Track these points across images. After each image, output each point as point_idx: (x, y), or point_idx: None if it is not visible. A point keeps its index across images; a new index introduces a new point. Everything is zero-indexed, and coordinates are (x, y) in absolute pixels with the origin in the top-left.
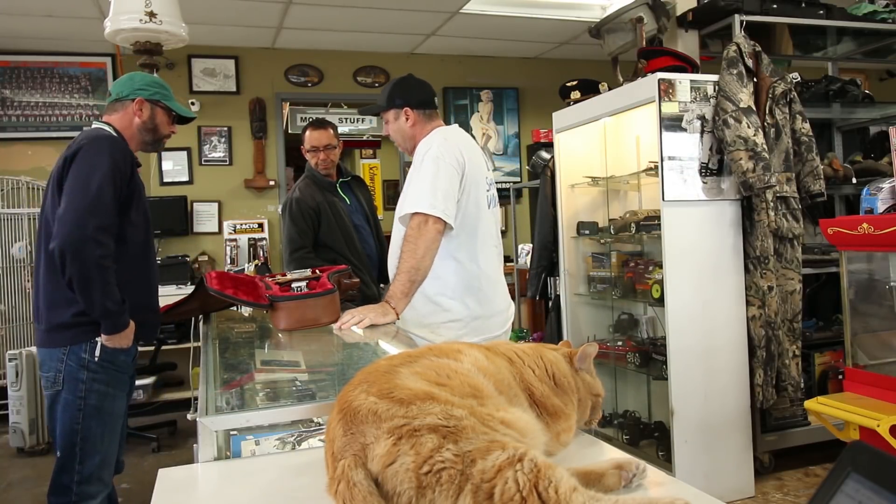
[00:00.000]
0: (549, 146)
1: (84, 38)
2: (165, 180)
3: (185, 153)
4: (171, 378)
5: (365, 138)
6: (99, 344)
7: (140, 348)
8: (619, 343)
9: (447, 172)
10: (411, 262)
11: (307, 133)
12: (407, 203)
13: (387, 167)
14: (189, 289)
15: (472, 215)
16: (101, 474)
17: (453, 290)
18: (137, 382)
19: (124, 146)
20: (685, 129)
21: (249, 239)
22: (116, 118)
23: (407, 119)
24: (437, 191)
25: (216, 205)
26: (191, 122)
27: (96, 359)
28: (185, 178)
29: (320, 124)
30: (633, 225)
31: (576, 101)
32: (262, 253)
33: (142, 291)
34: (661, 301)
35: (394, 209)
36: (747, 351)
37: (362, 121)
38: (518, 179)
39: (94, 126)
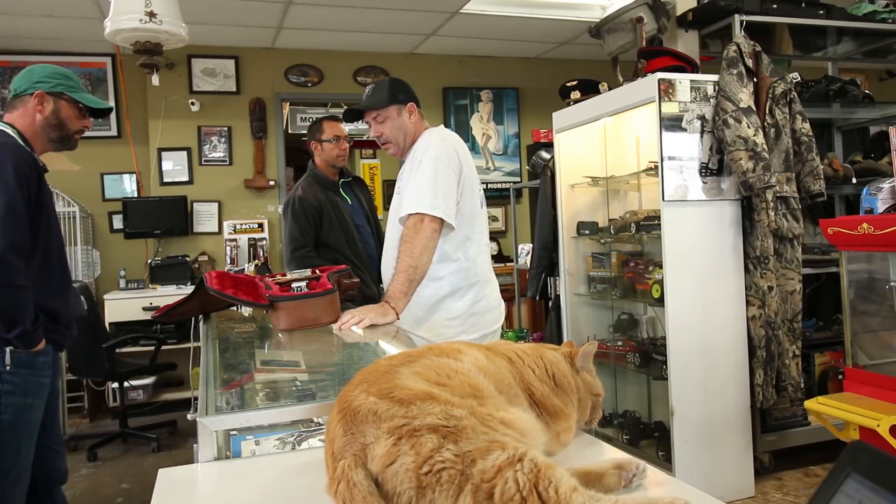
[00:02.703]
0: (549, 146)
1: (84, 38)
2: (165, 180)
3: (185, 153)
4: (171, 378)
5: (365, 138)
6: (8, 352)
7: (140, 348)
8: (619, 343)
9: (446, 173)
10: (409, 260)
11: (326, 124)
12: (405, 204)
13: (387, 167)
14: (189, 289)
15: (468, 216)
16: (14, 489)
17: (451, 289)
18: (137, 382)
19: (27, 153)
20: (685, 129)
21: (249, 239)
22: (17, 116)
23: (411, 115)
24: (436, 191)
25: (216, 205)
26: (107, 113)
27: (8, 367)
28: (185, 178)
29: (335, 117)
30: (633, 225)
31: (576, 101)
32: (262, 253)
33: (55, 307)
34: (661, 301)
35: None
36: (747, 351)
37: (362, 121)
38: (518, 179)
39: None
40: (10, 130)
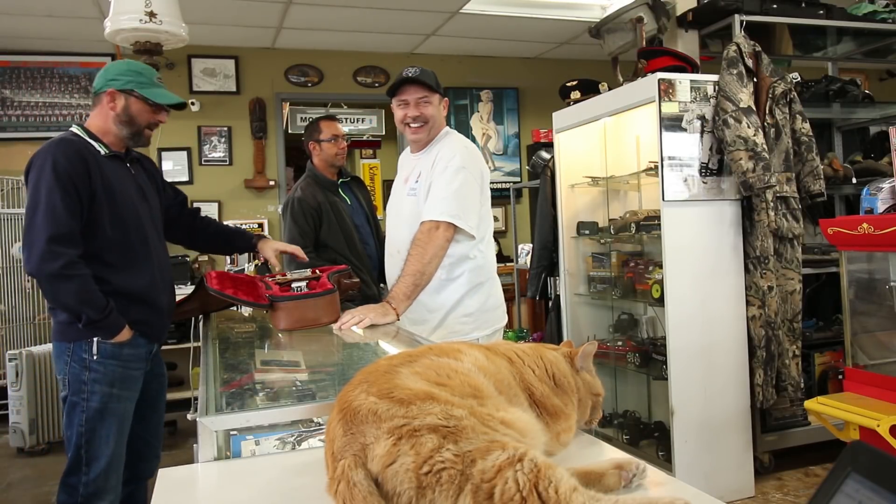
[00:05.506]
0: (549, 146)
1: (84, 38)
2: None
3: (185, 153)
4: (172, 378)
5: (365, 138)
6: (96, 341)
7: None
8: (619, 343)
9: (471, 185)
10: (418, 265)
11: (324, 124)
12: (427, 208)
13: (387, 167)
14: (189, 289)
15: (485, 218)
16: (107, 478)
17: (468, 287)
18: None
19: (74, 146)
20: (685, 129)
21: None
22: (94, 114)
23: (444, 109)
24: (461, 202)
25: (216, 205)
26: (183, 107)
27: (95, 357)
28: (185, 178)
29: (332, 116)
30: (633, 225)
31: (576, 101)
32: None
33: (139, 288)
34: (661, 301)
35: None
36: (747, 351)
37: (362, 121)
38: (518, 179)
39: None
40: (76, 130)
